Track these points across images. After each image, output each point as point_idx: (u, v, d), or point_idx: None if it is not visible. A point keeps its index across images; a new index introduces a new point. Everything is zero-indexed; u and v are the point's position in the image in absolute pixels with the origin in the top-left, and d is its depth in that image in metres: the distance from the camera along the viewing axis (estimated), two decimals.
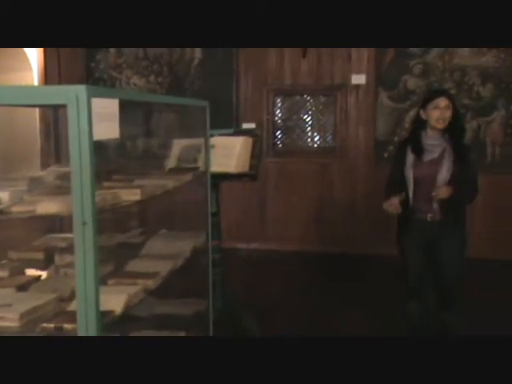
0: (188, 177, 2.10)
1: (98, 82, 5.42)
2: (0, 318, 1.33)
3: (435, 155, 2.59)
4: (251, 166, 3.03)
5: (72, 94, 1.14)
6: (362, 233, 5.23)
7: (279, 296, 4.19)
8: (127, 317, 2.04)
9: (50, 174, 1.97)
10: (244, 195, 5.45)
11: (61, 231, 2.25)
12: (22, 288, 1.61)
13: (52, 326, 1.31)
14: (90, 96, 1.16)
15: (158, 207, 3.40)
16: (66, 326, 1.30)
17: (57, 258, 1.90)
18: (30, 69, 5.67)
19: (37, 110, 4.62)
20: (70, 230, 1.40)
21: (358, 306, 3.93)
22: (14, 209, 1.38)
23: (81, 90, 1.15)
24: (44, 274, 1.82)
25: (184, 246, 2.09)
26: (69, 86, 1.15)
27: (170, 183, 1.85)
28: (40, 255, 1.96)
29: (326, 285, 4.51)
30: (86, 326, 1.26)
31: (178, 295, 2.24)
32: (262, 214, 5.51)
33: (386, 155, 4.98)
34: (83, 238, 1.21)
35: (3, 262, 1.90)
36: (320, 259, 5.19)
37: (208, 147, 2.28)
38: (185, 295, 2.28)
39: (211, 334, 2.40)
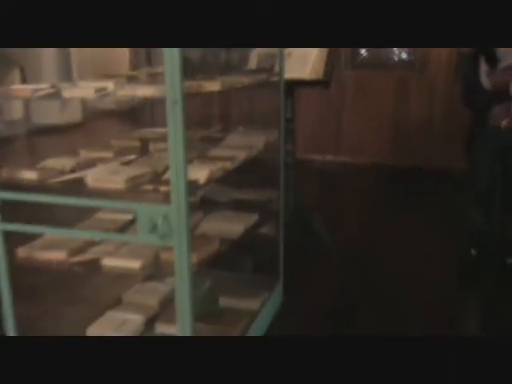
0: (263, 77, 2.31)
1: None
2: (110, 181, 1.68)
3: (510, 61, 2.59)
4: (325, 74, 3.17)
5: None
6: (437, 148, 5.24)
7: (349, 205, 4.43)
8: (208, 200, 2.38)
9: (142, 73, 2.28)
10: (321, 108, 5.58)
11: (153, 126, 2.60)
12: (125, 164, 1.96)
13: (151, 187, 1.64)
14: None
15: (238, 109, 3.66)
16: (161, 188, 1.62)
17: (151, 146, 2.24)
18: None
19: None
20: (161, 125, 1.68)
21: (424, 218, 4.08)
22: (119, 93, 1.67)
23: None
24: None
25: (258, 140, 2.35)
26: None
27: (246, 80, 2.08)
28: (137, 143, 2.31)
29: (396, 196, 4.67)
30: (177, 190, 1.56)
31: (251, 185, 2.54)
32: (338, 126, 5.63)
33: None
34: (174, 114, 1.48)
35: (107, 147, 2.26)
36: (393, 172, 5.30)
37: (282, 51, 2.45)
38: (257, 185, 2.57)
39: (282, 228, 2.70)
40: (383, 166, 5.41)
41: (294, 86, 3.16)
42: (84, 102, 2.49)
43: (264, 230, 2.81)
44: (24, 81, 2.55)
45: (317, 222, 3.76)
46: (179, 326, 1.66)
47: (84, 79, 2.13)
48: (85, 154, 2.10)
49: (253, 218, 2.25)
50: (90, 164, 1.94)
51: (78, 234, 1.85)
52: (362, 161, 5.50)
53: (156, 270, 1.84)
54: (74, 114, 2.87)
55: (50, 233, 1.82)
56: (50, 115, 2.75)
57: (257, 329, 2.37)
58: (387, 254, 3.46)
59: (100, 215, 2.07)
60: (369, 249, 3.53)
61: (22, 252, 1.83)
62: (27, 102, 2.53)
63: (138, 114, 2.72)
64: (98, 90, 1.67)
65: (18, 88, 1.81)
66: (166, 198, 1.58)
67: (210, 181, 1.78)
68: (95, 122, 2.84)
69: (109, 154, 2.09)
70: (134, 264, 1.74)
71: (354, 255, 3.43)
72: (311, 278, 3.08)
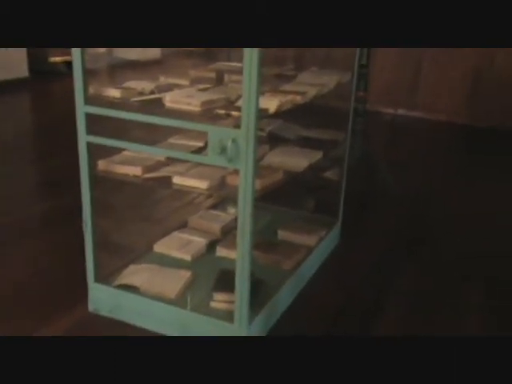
0: None
1: None
2: (186, 103, 1.78)
3: None
4: None
5: None
6: None
7: (417, 159, 4.35)
8: (275, 136, 2.45)
9: None
10: (399, 61, 5.41)
11: (229, 61, 2.67)
12: (200, 91, 2.06)
13: (223, 112, 1.72)
14: None
15: (313, 50, 3.64)
16: (233, 113, 1.71)
17: (226, 77, 2.32)
18: None
19: None
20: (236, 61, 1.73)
21: (496, 180, 3.96)
22: None
23: None
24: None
25: (330, 80, 2.36)
26: None
27: None
28: (212, 74, 2.39)
29: (468, 155, 4.54)
30: (247, 115, 1.64)
31: (319, 126, 2.57)
32: (415, 81, 5.46)
33: None
34: None
35: (185, 75, 2.36)
36: (468, 132, 5.12)
37: None
38: (325, 127, 2.60)
39: (345, 172, 2.74)
40: (458, 124, 5.23)
41: None
42: None
43: (328, 172, 2.86)
44: None
45: (382, 170, 3.77)
46: (239, 249, 1.77)
47: None
48: (163, 80, 2.22)
49: (318, 155, 2.30)
50: (168, 88, 2.05)
51: (156, 152, 1.98)
52: (437, 118, 5.33)
53: (221, 192, 1.95)
54: (154, 51, 2.97)
55: (131, 148, 1.97)
56: (131, 50, 2.86)
57: (311, 264, 2.47)
58: (451, 205, 3.43)
59: (172, 140, 2.20)
60: (432, 200, 3.50)
61: (102, 164, 1.99)
62: None
63: (212, 55, 2.80)
64: None
65: None
66: (237, 123, 1.67)
67: (279, 111, 1.84)
68: (172, 60, 2.94)
69: (185, 82, 2.19)
70: (202, 184, 1.86)
71: (416, 205, 3.42)
72: (369, 224, 3.12)
